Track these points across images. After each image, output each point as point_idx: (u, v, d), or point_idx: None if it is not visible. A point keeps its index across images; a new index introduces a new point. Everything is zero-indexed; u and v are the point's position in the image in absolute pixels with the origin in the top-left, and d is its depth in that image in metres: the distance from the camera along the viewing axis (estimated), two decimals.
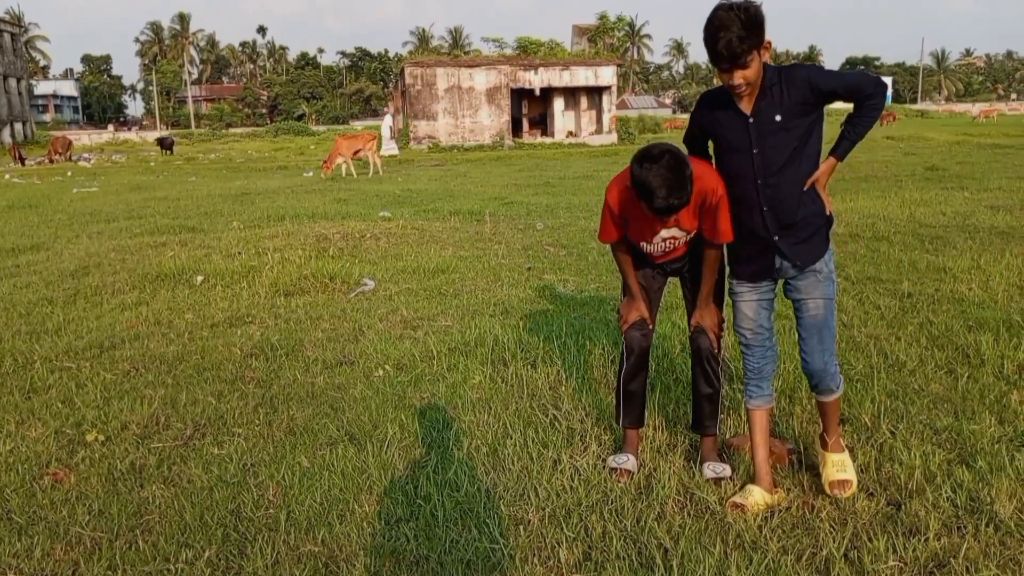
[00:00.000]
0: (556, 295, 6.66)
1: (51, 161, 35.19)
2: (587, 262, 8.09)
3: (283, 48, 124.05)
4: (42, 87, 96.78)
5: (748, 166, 2.98)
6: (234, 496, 3.36)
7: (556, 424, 3.96)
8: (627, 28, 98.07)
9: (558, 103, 40.02)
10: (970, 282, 6.46)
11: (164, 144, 39.55)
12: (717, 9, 2.77)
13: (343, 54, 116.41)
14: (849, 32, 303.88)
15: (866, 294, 6.22)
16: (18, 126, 55.38)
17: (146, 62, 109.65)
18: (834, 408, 3.27)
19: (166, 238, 10.32)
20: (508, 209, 12.79)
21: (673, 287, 3.74)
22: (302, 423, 4.11)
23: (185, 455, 3.79)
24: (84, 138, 59.41)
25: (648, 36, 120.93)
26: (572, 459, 3.57)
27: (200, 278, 7.55)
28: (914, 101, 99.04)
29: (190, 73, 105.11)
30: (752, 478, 3.23)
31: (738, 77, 2.83)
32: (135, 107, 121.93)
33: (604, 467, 3.48)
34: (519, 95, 40.20)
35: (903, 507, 3.06)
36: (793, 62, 3.10)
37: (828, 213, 3.05)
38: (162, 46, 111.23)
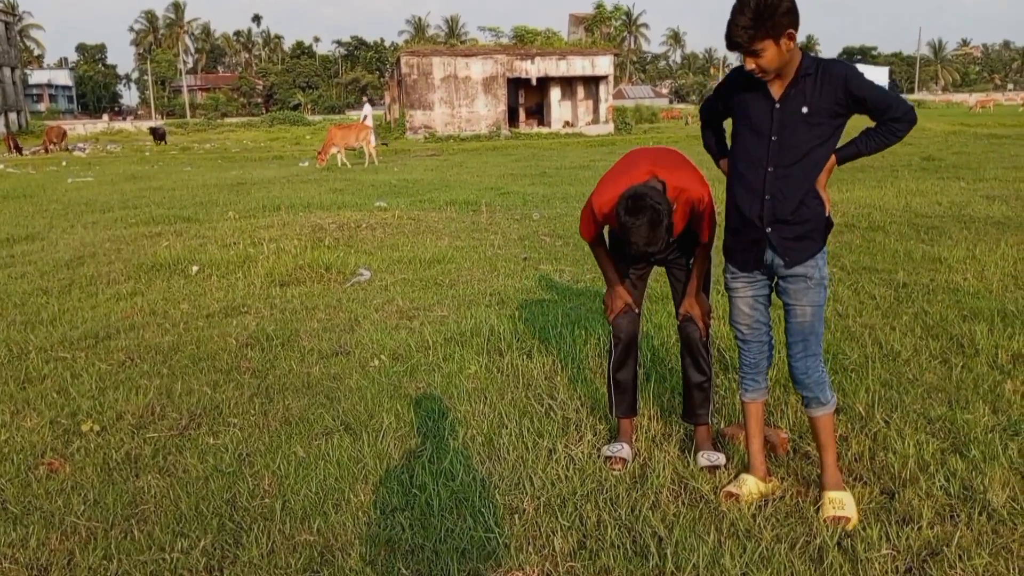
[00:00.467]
0: (552, 285, 6.66)
1: (46, 151, 35.04)
2: (583, 252, 8.08)
3: (278, 37, 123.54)
4: (37, 76, 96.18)
5: (763, 151, 2.92)
6: (230, 486, 3.37)
7: (551, 414, 3.96)
8: (624, 17, 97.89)
9: (555, 93, 39.92)
10: (965, 272, 6.48)
11: (156, 134, 39.39)
12: None
13: (339, 43, 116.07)
14: (846, 22, 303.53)
15: (861, 284, 6.23)
16: (12, 116, 55.12)
17: (141, 51, 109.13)
18: (827, 429, 3.06)
19: (161, 228, 10.29)
20: (504, 199, 12.77)
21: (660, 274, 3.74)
22: (298, 413, 4.11)
23: (180, 445, 3.79)
24: (79, 128, 59.11)
25: (645, 25, 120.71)
26: (567, 448, 3.58)
27: (195, 268, 7.54)
28: (911, 91, 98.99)
29: (185, 62, 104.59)
30: (746, 467, 3.24)
31: (749, 63, 2.81)
32: (130, 97, 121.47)
33: (599, 456, 3.49)
34: (516, 85, 40.08)
35: (896, 496, 3.08)
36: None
37: (827, 215, 2.99)
38: (157, 35, 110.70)
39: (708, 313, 3.44)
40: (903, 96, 3.00)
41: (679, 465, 3.39)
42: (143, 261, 7.88)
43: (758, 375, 3.20)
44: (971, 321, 5.09)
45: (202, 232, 9.64)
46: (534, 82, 39.25)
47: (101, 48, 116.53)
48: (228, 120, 71.69)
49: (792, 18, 2.74)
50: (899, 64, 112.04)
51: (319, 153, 21.64)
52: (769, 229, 2.96)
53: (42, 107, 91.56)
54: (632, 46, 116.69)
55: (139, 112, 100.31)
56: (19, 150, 34.16)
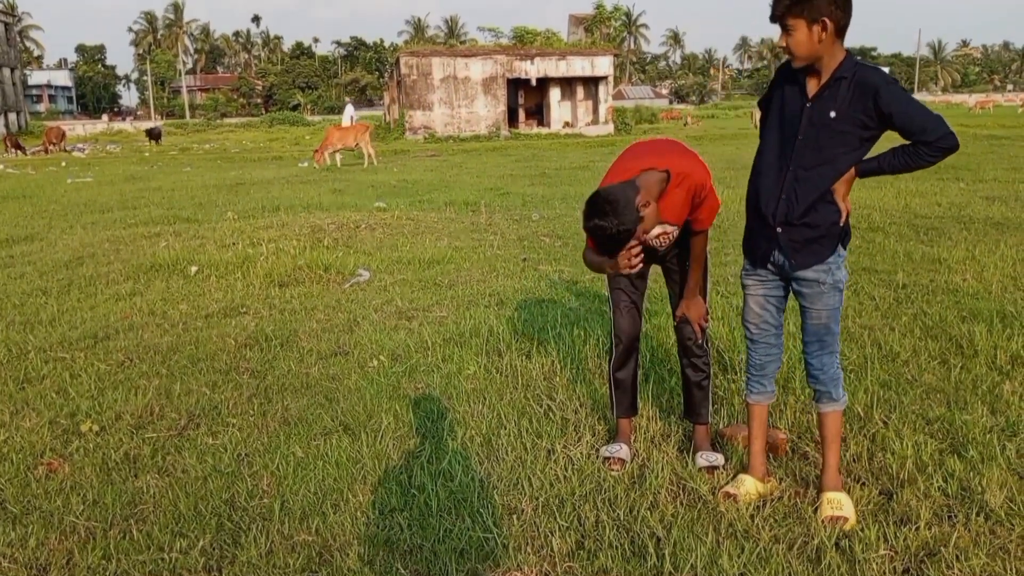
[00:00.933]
0: (551, 286, 6.66)
1: (45, 151, 35.03)
2: (582, 253, 8.07)
3: (278, 38, 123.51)
4: (36, 77, 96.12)
5: (789, 148, 2.88)
6: (228, 486, 3.37)
7: (550, 414, 3.97)
8: (624, 18, 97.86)
9: (554, 93, 39.92)
10: (964, 273, 6.48)
11: (152, 134, 39.46)
12: None
13: (338, 43, 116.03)
14: None
15: (861, 284, 6.23)
16: (12, 116, 55.12)
17: (140, 52, 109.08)
18: (833, 427, 3.07)
19: (160, 228, 10.30)
20: (504, 200, 12.77)
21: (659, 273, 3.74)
22: (296, 413, 4.12)
23: (179, 445, 3.79)
24: (78, 128, 59.09)
25: (645, 26, 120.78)
26: (566, 449, 3.58)
27: (194, 268, 7.54)
28: (911, 92, 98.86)
29: (184, 63, 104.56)
30: (745, 467, 3.24)
31: (781, 38, 2.76)
32: (130, 97, 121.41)
33: (597, 457, 3.50)
34: (515, 85, 40.07)
35: (894, 496, 3.08)
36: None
37: (843, 223, 2.91)
38: (156, 36, 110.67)
39: (705, 316, 3.44)
40: (941, 117, 2.71)
41: (678, 466, 3.40)
42: (142, 261, 7.89)
43: (763, 378, 3.19)
44: (970, 322, 5.10)
45: (201, 232, 9.64)
46: (534, 83, 39.24)
47: (100, 49, 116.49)
48: (227, 121, 71.66)
49: (834, 9, 2.67)
50: (899, 65, 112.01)
51: (316, 152, 21.64)
52: (779, 229, 2.94)
53: (42, 108, 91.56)
54: (632, 47, 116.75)
55: (139, 113, 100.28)
56: (22, 149, 34.14)
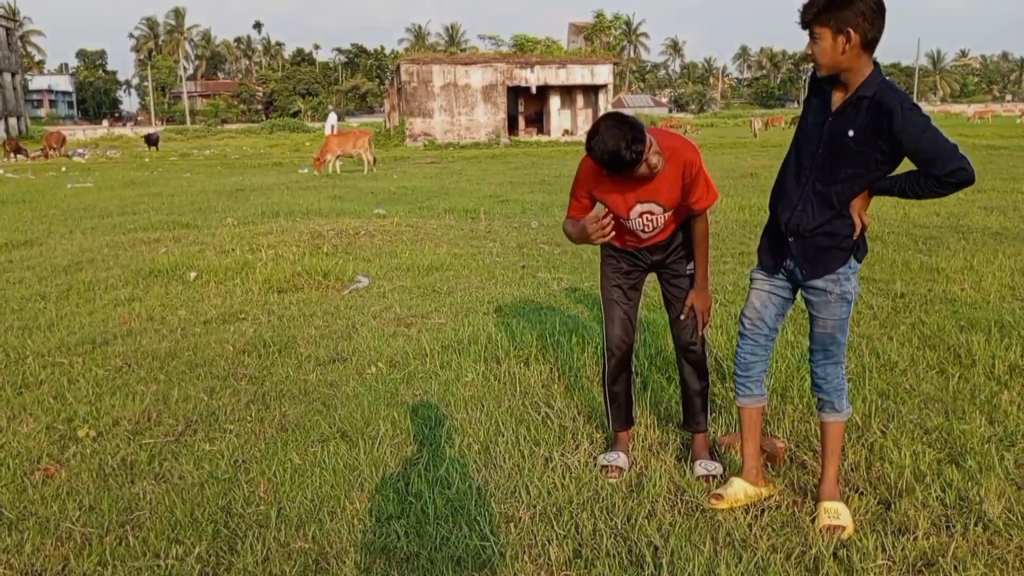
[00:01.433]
0: (550, 293, 6.66)
1: (46, 156, 35.06)
2: (581, 260, 8.09)
3: (279, 44, 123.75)
4: (37, 82, 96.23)
5: (809, 160, 2.86)
6: (225, 492, 3.36)
7: (548, 422, 3.96)
8: (624, 27, 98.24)
9: (554, 101, 40.03)
10: (963, 282, 6.49)
11: (150, 140, 39.64)
12: None
13: (339, 51, 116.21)
14: None
15: (859, 293, 6.23)
16: (12, 121, 55.18)
17: (141, 57, 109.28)
18: (835, 437, 3.07)
19: (160, 234, 10.30)
20: (503, 207, 12.78)
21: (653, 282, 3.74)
22: (294, 420, 4.11)
23: (176, 451, 3.78)
24: (79, 133, 59.21)
25: (645, 35, 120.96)
26: (563, 457, 3.57)
27: (193, 274, 7.54)
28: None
29: (185, 68, 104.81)
30: (739, 472, 3.23)
31: (809, 45, 2.74)
32: (130, 103, 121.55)
33: (595, 465, 3.49)
34: (515, 93, 40.19)
35: (892, 506, 3.08)
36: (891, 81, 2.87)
37: (857, 237, 2.87)
38: (157, 41, 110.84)
39: (708, 310, 3.43)
40: (959, 150, 2.60)
41: (675, 474, 3.39)
42: (141, 267, 7.89)
43: (749, 380, 3.18)
44: (968, 332, 5.10)
45: (200, 238, 9.64)
46: (534, 90, 39.36)
47: (101, 54, 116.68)
48: (228, 126, 71.75)
49: (861, 21, 2.63)
50: (898, 75, 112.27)
51: (316, 160, 21.69)
52: (791, 239, 2.94)
53: (42, 112, 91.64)
54: (632, 55, 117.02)
55: (139, 118, 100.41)
56: (24, 153, 34.17)
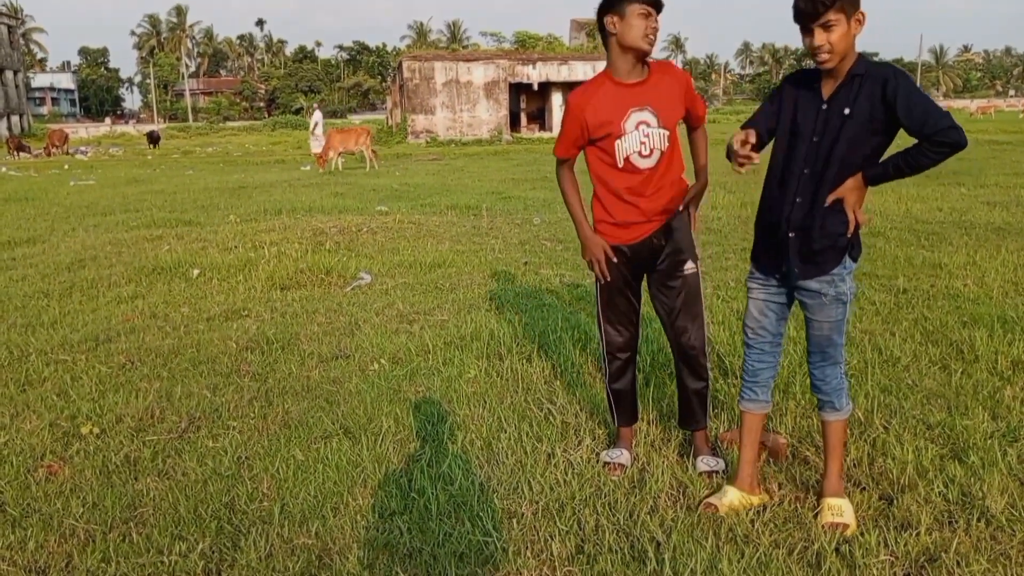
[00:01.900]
0: (552, 290, 6.66)
1: (48, 154, 35.10)
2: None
3: (281, 41, 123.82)
4: (39, 80, 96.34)
5: (802, 152, 2.84)
6: (228, 489, 3.37)
7: (551, 418, 3.96)
8: None
9: (556, 98, 39.95)
10: (965, 278, 6.48)
11: (151, 138, 39.74)
12: None
13: (341, 48, 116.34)
14: None
15: (861, 289, 6.22)
16: (15, 119, 55.23)
17: (143, 55, 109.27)
18: (836, 435, 3.06)
19: (162, 231, 10.31)
20: (505, 204, 12.78)
21: None
22: (297, 416, 4.12)
23: (180, 448, 3.79)
24: (81, 131, 59.20)
25: None
26: (566, 453, 3.58)
27: (196, 271, 7.55)
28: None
29: (187, 66, 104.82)
30: (732, 477, 3.21)
31: (819, 36, 2.67)
32: (132, 100, 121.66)
33: (598, 461, 3.49)
34: (517, 89, 40.12)
35: (895, 502, 3.08)
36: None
37: (851, 234, 2.84)
38: (159, 39, 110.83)
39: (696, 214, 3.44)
40: (948, 113, 2.62)
41: (678, 470, 3.39)
42: (144, 264, 7.90)
43: (756, 385, 3.15)
44: (971, 327, 5.09)
45: (203, 235, 9.65)
46: (536, 87, 39.30)
47: (104, 52, 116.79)
48: (230, 124, 71.79)
49: (858, 2, 2.69)
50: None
51: (319, 157, 21.69)
52: (791, 235, 2.88)
53: (44, 110, 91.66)
54: None
55: (141, 116, 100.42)
56: (27, 151, 34.22)
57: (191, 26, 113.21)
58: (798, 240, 2.88)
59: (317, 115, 27.09)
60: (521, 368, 4.65)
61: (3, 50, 56.37)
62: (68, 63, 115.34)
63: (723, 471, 3.37)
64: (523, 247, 8.79)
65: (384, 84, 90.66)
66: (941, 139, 2.57)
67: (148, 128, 54.81)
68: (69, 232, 10.82)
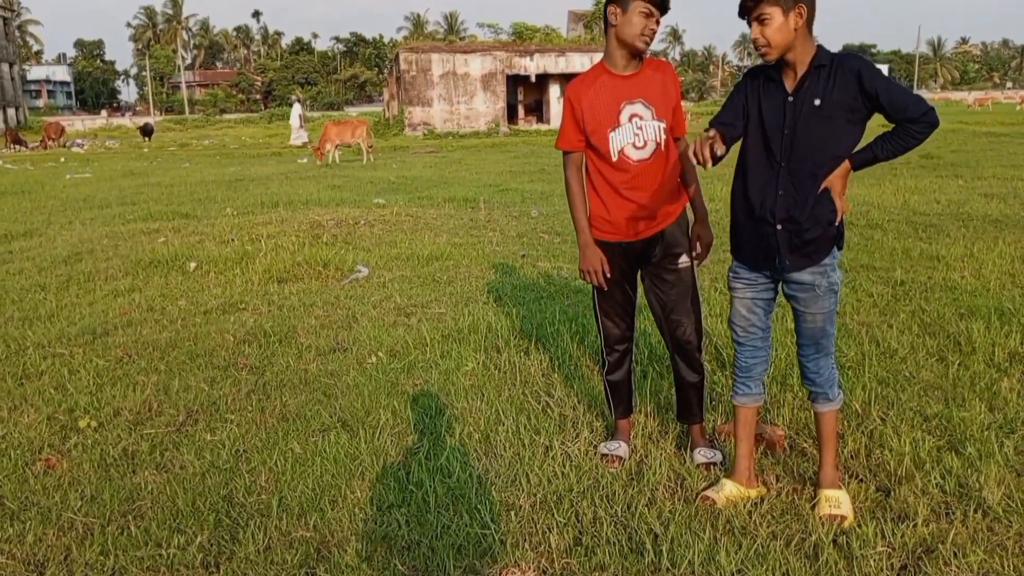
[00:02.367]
0: (550, 282, 6.66)
1: (44, 147, 34.99)
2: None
3: (277, 33, 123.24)
4: (35, 72, 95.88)
5: (777, 145, 2.87)
6: (226, 482, 3.37)
7: (548, 411, 3.97)
8: None
9: (554, 89, 39.87)
10: (963, 270, 6.49)
11: (145, 130, 39.72)
12: None
13: (337, 39, 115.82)
14: (846, 20, 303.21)
15: (859, 282, 6.23)
16: (11, 112, 55.04)
17: (139, 47, 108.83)
18: (829, 425, 3.08)
19: (159, 224, 10.28)
20: (503, 196, 12.76)
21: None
22: (295, 409, 4.12)
23: (177, 441, 3.79)
24: (77, 124, 59.07)
25: None
26: (564, 445, 3.58)
27: (193, 264, 7.54)
28: (911, 89, 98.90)
29: (183, 58, 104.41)
30: (729, 471, 3.21)
31: (755, 30, 2.77)
32: (128, 93, 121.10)
33: (595, 453, 3.50)
34: (514, 81, 40.04)
35: (892, 493, 3.08)
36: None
37: (837, 223, 2.87)
38: (155, 31, 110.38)
39: (710, 246, 3.38)
40: (921, 95, 2.83)
41: (675, 462, 3.40)
42: (141, 257, 7.88)
43: (750, 380, 3.16)
44: (968, 319, 5.10)
45: (200, 228, 9.63)
46: (533, 79, 39.21)
47: (99, 44, 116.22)
48: (227, 116, 71.50)
49: None
50: (898, 62, 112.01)
51: (316, 149, 21.66)
52: (779, 227, 2.89)
53: (40, 103, 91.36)
54: None
55: (138, 108, 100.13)
56: (23, 144, 34.11)
57: (187, 18, 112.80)
58: (787, 232, 2.89)
59: (297, 107, 26.99)
60: (519, 361, 4.65)
61: None
62: (64, 55, 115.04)
63: (721, 463, 3.37)
64: (521, 240, 8.79)
65: (381, 76, 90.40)
66: (926, 120, 2.71)
67: (144, 120, 54.70)
68: (66, 225, 10.79)
